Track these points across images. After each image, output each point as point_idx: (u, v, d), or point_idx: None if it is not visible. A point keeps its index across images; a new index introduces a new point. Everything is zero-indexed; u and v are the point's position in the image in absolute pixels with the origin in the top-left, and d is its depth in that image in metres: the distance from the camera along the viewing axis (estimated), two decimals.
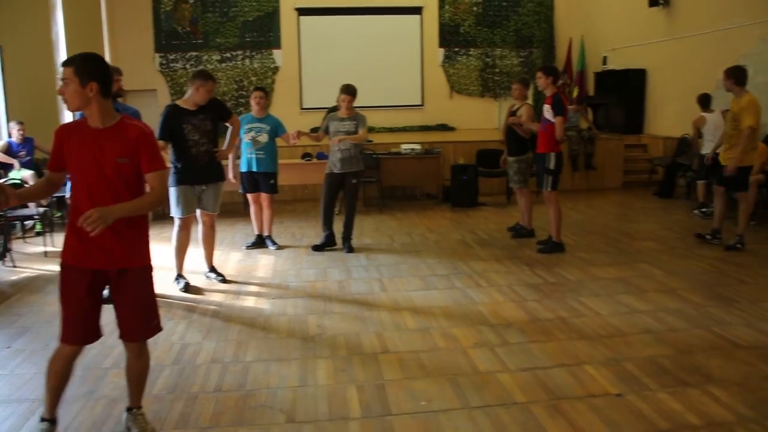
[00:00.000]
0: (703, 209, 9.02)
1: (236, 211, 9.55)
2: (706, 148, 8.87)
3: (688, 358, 4.17)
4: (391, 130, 14.52)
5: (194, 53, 14.12)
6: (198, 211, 5.88)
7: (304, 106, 14.52)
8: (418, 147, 10.38)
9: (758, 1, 10.01)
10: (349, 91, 6.98)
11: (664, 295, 5.50)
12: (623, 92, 13.23)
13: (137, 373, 3.27)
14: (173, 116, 5.54)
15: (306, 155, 9.96)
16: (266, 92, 7.42)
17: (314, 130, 7.50)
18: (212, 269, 6.20)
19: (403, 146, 10.41)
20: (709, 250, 7.05)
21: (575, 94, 14.29)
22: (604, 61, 14.62)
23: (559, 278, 6.06)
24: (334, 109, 7.27)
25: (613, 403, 3.56)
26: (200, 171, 5.69)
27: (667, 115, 12.35)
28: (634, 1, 13.09)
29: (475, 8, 15.23)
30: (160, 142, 5.41)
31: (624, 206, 10.05)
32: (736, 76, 6.82)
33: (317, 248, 7.30)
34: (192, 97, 5.59)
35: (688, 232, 7.91)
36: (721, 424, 3.33)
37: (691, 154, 10.01)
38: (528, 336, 4.58)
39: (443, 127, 14.95)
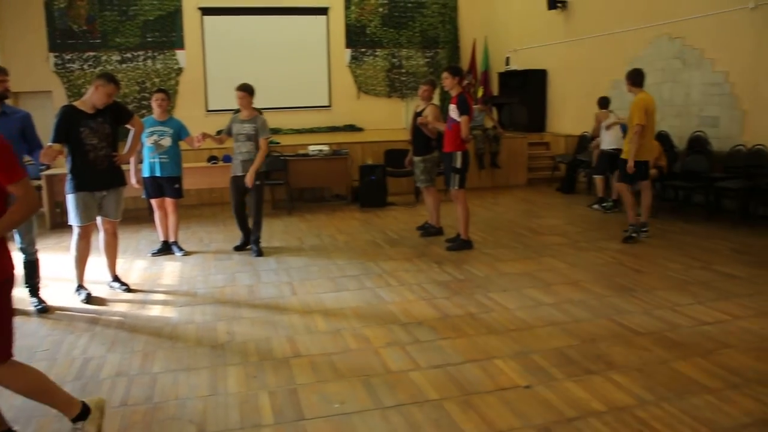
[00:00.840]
0: (603, 204, 9.41)
1: (141, 217, 9.22)
2: (605, 144, 9.29)
3: (591, 347, 4.33)
4: (298, 131, 14.41)
5: (92, 53, 13.51)
6: (99, 219, 5.63)
7: (210, 108, 14.18)
8: (326, 148, 10.34)
9: (648, 6, 10.54)
10: (242, 87, 6.92)
11: (569, 287, 5.71)
12: (526, 92, 13.65)
13: (24, 396, 3.04)
14: (69, 118, 5.26)
15: (212, 158, 9.73)
16: (168, 94, 7.20)
17: (221, 132, 7.35)
18: (116, 278, 5.96)
19: (311, 148, 10.35)
20: (609, 242, 7.37)
21: (480, 93, 14.62)
22: (507, 61, 15.03)
23: (467, 275, 6.17)
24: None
25: (522, 394, 3.65)
26: (100, 176, 5.44)
27: (567, 114, 12.84)
28: (534, 4, 13.52)
29: (380, 9, 15.31)
30: (56, 146, 5.14)
31: (529, 202, 10.35)
32: (632, 78, 7.40)
33: (238, 248, 7.32)
34: (90, 98, 5.33)
35: (590, 225, 8.24)
36: (622, 408, 3.47)
37: (590, 149, 10.43)
38: (438, 333, 4.63)
39: (351, 128, 14.96)
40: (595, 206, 9.48)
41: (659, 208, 9.08)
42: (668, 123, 10.18)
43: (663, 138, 9.80)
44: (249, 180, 6.86)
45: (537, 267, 6.39)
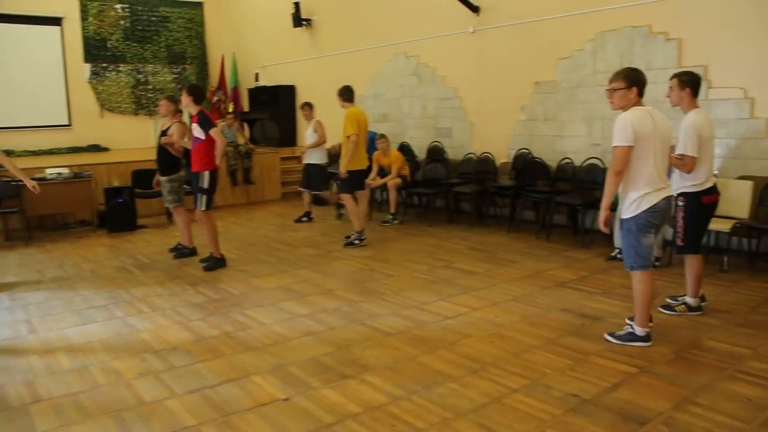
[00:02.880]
0: (341, 211, 9.81)
1: None
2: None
3: (346, 352, 4.49)
4: (35, 153, 13.21)
5: None
6: None
7: None
8: (65, 171, 9.55)
9: (386, 26, 11.24)
10: None
11: (323, 296, 5.86)
12: (276, 107, 13.83)
13: None
14: None
15: None
16: None
17: None
18: None
19: (49, 171, 9.49)
20: (358, 250, 7.70)
21: (230, 109, 14.53)
22: (256, 77, 15.12)
23: (223, 294, 6.08)
24: None
25: (281, 407, 3.67)
26: None
27: None
28: (280, 22, 13.75)
29: (122, 22, 14.59)
30: None
31: (283, 216, 10.46)
32: (342, 94, 7.89)
33: None
34: None
35: (342, 235, 8.49)
36: (377, 407, 3.63)
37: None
38: (194, 357, 4.50)
39: (95, 148, 14.04)
40: (343, 213, 9.77)
41: (406, 214, 9.71)
42: (409, 134, 10.93)
43: (405, 148, 10.50)
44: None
45: (292, 280, 6.48)
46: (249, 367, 4.28)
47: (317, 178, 9.58)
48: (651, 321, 4.59)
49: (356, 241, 7.85)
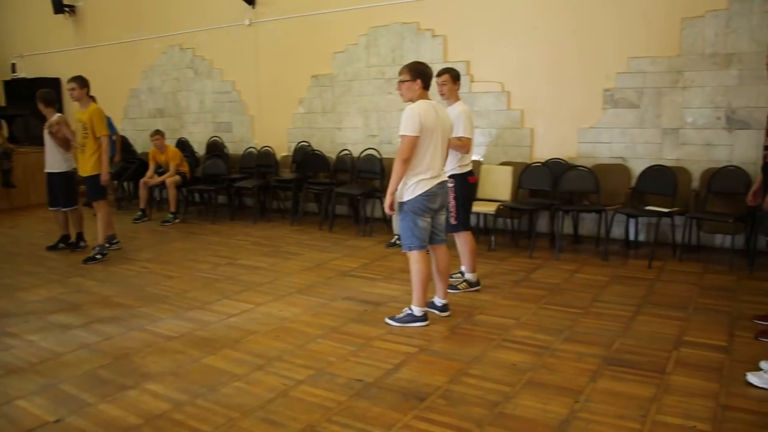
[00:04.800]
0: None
1: None
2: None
3: (125, 362, 4.28)
4: None
5: None
6: None
7: None
8: None
9: (159, 17, 10.80)
10: None
11: (98, 305, 5.53)
12: None
13: None
14: None
15: None
16: None
17: None
18: None
19: None
20: (140, 252, 7.38)
21: None
22: (13, 68, 13.81)
23: None
24: None
25: (51, 431, 3.42)
26: None
27: None
28: (39, 7, 12.67)
29: None
30: None
31: (53, 221, 9.63)
32: (86, 85, 6.99)
33: None
34: None
35: (125, 239, 7.99)
36: (159, 416, 3.51)
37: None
38: None
39: None
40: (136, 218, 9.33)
41: (187, 213, 9.44)
42: (188, 130, 10.64)
43: (183, 144, 10.20)
44: None
45: (63, 290, 6.04)
46: (11, 391, 3.91)
47: (66, 189, 7.53)
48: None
49: (98, 256, 7.10)
